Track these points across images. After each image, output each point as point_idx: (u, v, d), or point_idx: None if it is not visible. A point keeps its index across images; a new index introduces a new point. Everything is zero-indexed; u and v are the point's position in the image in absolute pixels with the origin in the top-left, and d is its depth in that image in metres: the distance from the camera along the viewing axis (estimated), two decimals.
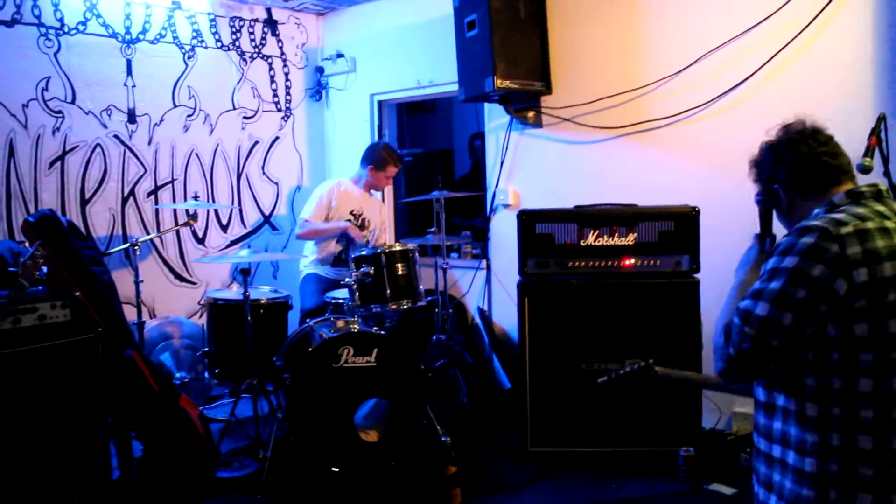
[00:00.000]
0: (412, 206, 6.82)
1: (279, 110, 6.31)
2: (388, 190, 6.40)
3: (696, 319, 4.04)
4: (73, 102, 5.07)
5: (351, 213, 5.34)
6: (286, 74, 6.35)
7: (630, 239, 4.13)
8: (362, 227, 5.37)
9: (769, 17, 4.12)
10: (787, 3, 4.05)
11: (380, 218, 5.57)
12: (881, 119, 3.19)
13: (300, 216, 5.33)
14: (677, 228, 4.11)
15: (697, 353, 4.04)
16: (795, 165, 1.98)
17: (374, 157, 5.39)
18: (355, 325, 4.16)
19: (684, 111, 4.50)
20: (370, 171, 5.38)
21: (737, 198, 4.35)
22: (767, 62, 4.16)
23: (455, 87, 5.18)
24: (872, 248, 1.77)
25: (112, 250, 5.01)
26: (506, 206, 5.42)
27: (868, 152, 3.06)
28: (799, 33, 4.04)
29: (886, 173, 3.17)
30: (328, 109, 6.62)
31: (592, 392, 4.07)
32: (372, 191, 5.55)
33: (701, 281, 4.06)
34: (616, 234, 4.13)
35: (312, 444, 3.99)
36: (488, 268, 5.61)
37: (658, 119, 4.61)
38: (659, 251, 4.11)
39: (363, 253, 4.40)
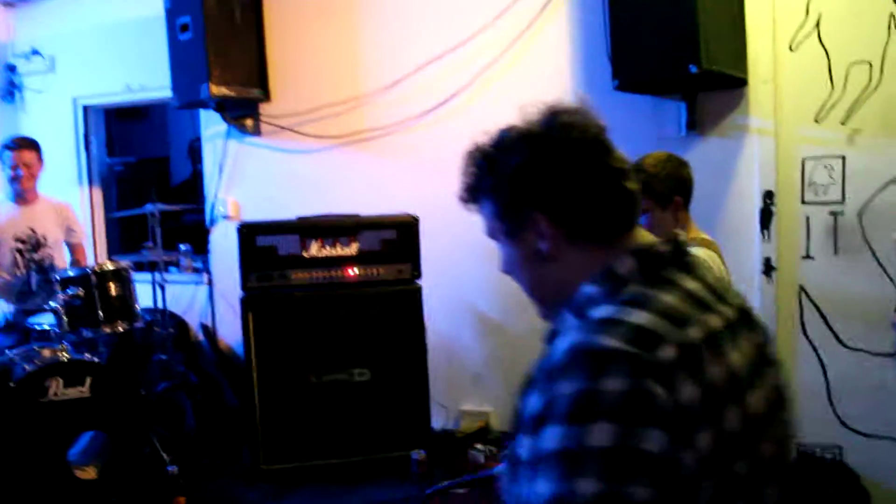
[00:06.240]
0: (126, 221, 6.37)
1: None
2: (98, 204, 5.94)
3: (420, 324, 4.16)
4: None
5: (17, 240, 4.41)
6: None
7: (353, 249, 4.16)
8: (38, 246, 4.44)
9: (482, 30, 4.34)
10: (497, 17, 4.30)
11: (60, 225, 4.61)
12: None
13: None
14: (399, 237, 4.19)
15: (423, 357, 4.17)
16: None
17: None
18: (64, 354, 3.81)
19: (403, 121, 4.61)
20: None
21: (452, 205, 4.61)
22: (479, 75, 4.38)
23: (169, 93, 4.91)
24: None
25: None
26: (226, 217, 5.23)
27: None
28: (507, 49, 4.30)
29: None
30: (24, 113, 6.01)
31: (322, 404, 4.07)
32: (28, 199, 4.48)
33: (423, 287, 4.18)
34: (339, 245, 4.14)
35: (17, 489, 3.60)
36: (210, 282, 5.39)
37: (378, 128, 4.70)
38: (381, 260, 4.18)
39: (70, 274, 4.04)
